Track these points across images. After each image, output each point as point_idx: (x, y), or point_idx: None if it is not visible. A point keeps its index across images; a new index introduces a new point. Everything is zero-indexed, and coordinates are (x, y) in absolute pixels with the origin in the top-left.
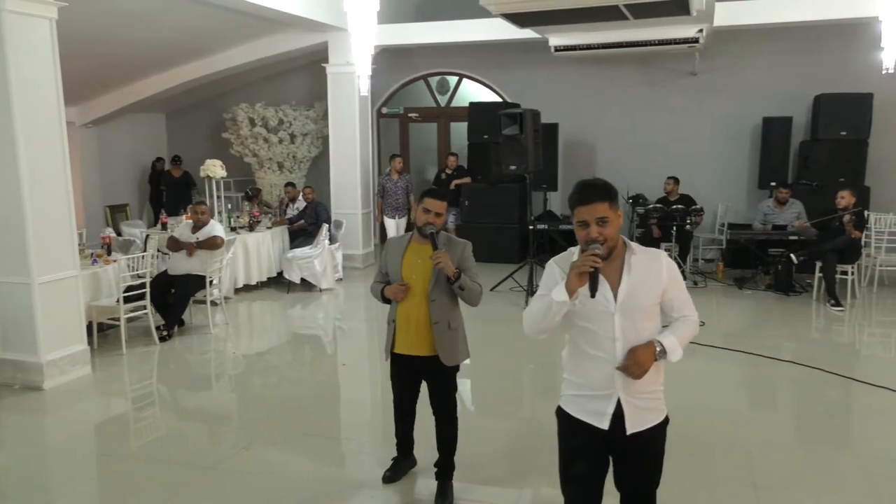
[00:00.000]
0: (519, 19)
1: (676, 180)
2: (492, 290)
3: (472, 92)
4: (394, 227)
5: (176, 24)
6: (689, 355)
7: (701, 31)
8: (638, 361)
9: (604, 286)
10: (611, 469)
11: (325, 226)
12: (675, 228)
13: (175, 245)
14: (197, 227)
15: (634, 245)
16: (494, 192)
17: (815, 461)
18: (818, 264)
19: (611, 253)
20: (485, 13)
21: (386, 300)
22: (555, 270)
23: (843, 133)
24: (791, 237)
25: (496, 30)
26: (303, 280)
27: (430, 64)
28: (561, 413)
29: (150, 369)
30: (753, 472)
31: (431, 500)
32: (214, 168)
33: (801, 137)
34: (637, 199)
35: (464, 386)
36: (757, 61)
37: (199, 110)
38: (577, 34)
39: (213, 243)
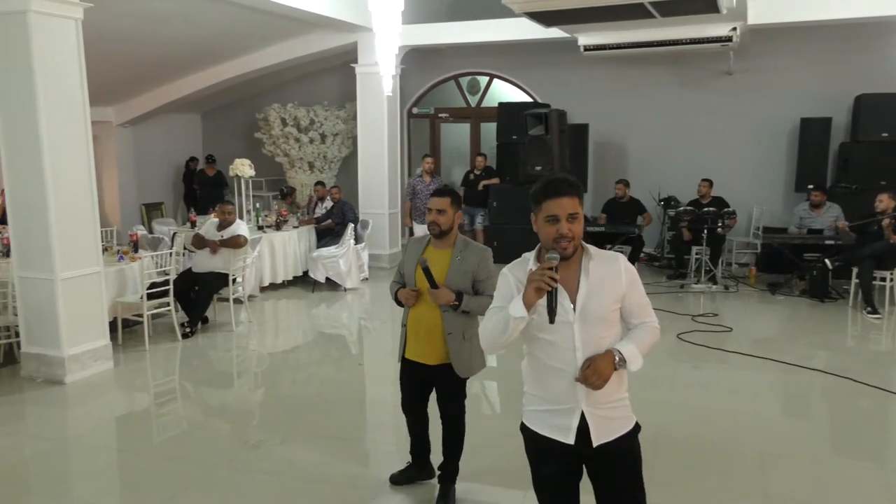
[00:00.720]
0: (543, 18)
1: (710, 183)
2: None
3: (504, 92)
4: (423, 233)
5: (207, 24)
6: (716, 361)
7: (734, 29)
8: (597, 371)
9: (561, 294)
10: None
11: (351, 225)
12: (706, 231)
13: (199, 243)
14: (222, 226)
15: (591, 248)
16: (523, 192)
17: (835, 474)
18: (855, 270)
19: (574, 253)
20: (514, 13)
21: (400, 303)
22: (509, 280)
23: (885, 135)
24: (827, 242)
25: (526, 29)
26: (328, 279)
27: (460, 64)
28: (525, 430)
29: (171, 365)
30: (767, 482)
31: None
32: (243, 167)
33: (841, 139)
34: (668, 202)
35: (488, 388)
36: (795, 60)
37: (233, 110)
38: (606, 33)
39: (236, 242)
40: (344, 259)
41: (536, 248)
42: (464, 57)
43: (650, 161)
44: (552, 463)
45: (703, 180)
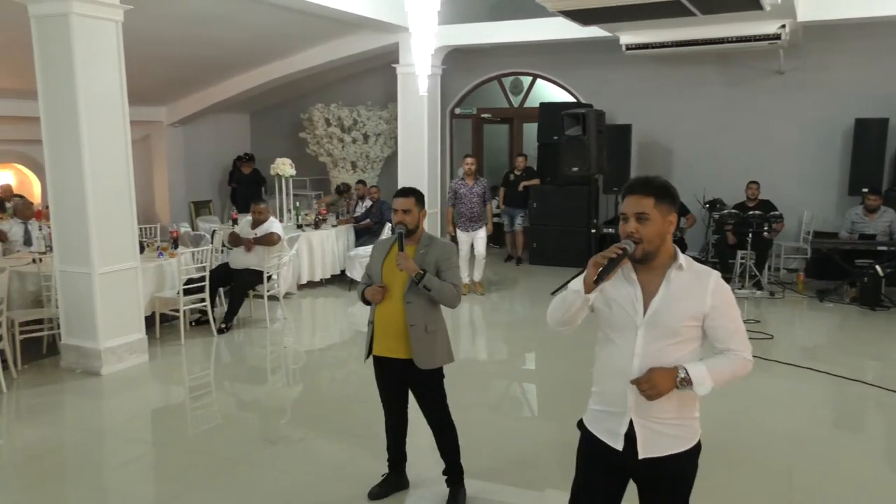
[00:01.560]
0: (579, 17)
1: (758, 185)
2: (553, 293)
3: (548, 92)
4: (468, 241)
5: (251, 26)
6: (758, 371)
7: (783, 26)
8: (652, 382)
9: (636, 294)
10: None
11: (388, 225)
12: (750, 235)
13: (235, 240)
14: (256, 224)
15: (685, 259)
16: (563, 194)
17: (869, 492)
18: None
19: (647, 258)
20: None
21: (367, 301)
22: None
23: None
24: (880, 247)
25: (566, 29)
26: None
27: (503, 64)
28: (582, 427)
29: (204, 360)
30: (791, 498)
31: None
32: (284, 166)
33: None
34: (714, 204)
35: (528, 390)
36: (850, 58)
37: (280, 110)
38: (648, 32)
39: (269, 240)
40: None
41: None
42: (507, 57)
43: (696, 162)
44: (598, 465)
45: (751, 182)
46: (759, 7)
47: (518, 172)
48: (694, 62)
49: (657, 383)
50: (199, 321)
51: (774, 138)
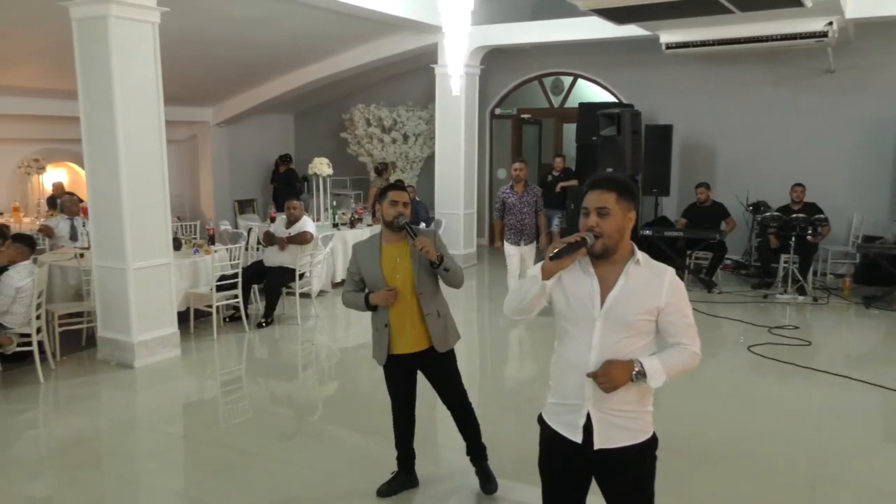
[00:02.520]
0: (612, 15)
1: (803, 187)
2: None
3: (591, 92)
4: (516, 255)
5: (292, 27)
6: (792, 378)
7: (830, 23)
8: (609, 374)
9: (594, 287)
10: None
11: (422, 224)
12: (793, 239)
13: (269, 239)
14: (291, 222)
15: (642, 256)
16: None
17: None
18: None
19: (606, 253)
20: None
21: (370, 307)
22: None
23: None
24: None
25: (605, 28)
26: None
27: (544, 64)
28: (541, 421)
29: (235, 355)
30: None
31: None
32: (321, 165)
33: None
34: (758, 207)
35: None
36: None
37: (324, 111)
38: (689, 30)
39: (302, 239)
40: None
41: None
42: (548, 57)
43: (740, 164)
44: (559, 459)
45: (796, 185)
46: (800, 4)
47: (556, 173)
48: (739, 61)
49: (614, 376)
50: (233, 317)
51: (823, 139)
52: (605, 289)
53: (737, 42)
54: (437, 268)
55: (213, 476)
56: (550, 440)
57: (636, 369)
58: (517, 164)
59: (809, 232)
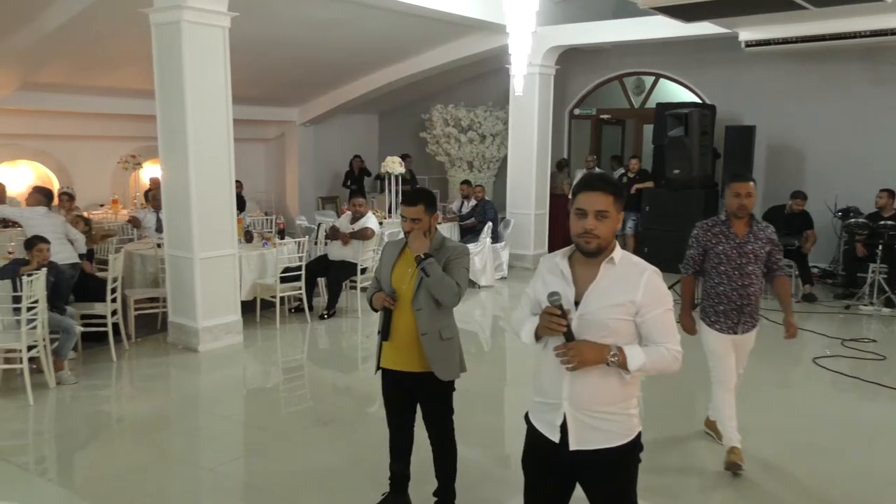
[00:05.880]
0: (676, 13)
1: (892, 193)
2: None
3: (675, 92)
4: (729, 353)
5: (371, 29)
6: (862, 395)
7: None
8: (579, 349)
9: (568, 289)
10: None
11: (489, 224)
12: (880, 248)
13: (334, 234)
14: (355, 219)
15: (620, 253)
16: (678, 197)
17: None
18: None
19: (598, 252)
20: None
21: (375, 309)
22: (538, 271)
23: None
24: None
25: (682, 26)
26: None
27: (625, 64)
28: (527, 419)
29: (295, 345)
30: None
31: None
32: (393, 164)
33: None
34: (847, 213)
35: None
36: None
37: (406, 111)
38: (769, 27)
39: (363, 234)
40: (479, 257)
41: (571, 245)
42: (628, 56)
43: (830, 167)
44: (539, 458)
45: (883, 190)
46: None
47: (631, 175)
48: (832, 59)
49: (583, 351)
50: (298, 308)
51: None
52: (583, 288)
53: (821, 39)
54: (418, 264)
55: (247, 455)
56: (533, 438)
57: (612, 352)
58: (739, 185)
59: None
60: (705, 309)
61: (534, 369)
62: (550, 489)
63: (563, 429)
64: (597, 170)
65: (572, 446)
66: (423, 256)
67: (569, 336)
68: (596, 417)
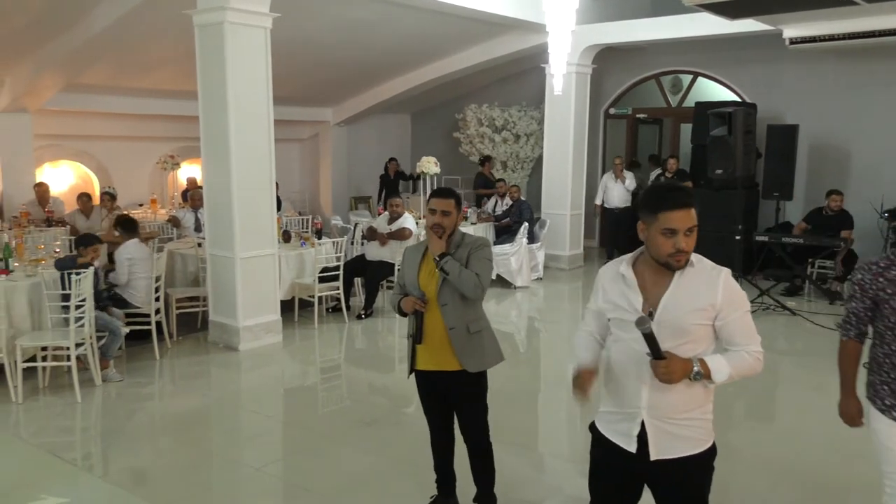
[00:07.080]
0: (722, 10)
1: None
2: None
3: (713, 91)
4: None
5: (405, 29)
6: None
7: None
8: (671, 367)
9: (634, 296)
10: None
11: (525, 224)
12: None
13: (371, 234)
14: (392, 219)
15: (695, 256)
16: (716, 198)
17: None
18: None
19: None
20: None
21: (404, 314)
22: (598, 282)
23: None
24: None
25: (723, 23)
26: (498, 276)
27: (661, 62)
28: (593, 429)
29: (333, 344)
30: None
31: None
32: (429, 164)
33: None
34: (894, 213)
35: None
36: None
37: (439, 111)
38: (815, 24)
39: (401, 234)
40: (515, 257)
41: (637, 251)
42: (665, 55)
43: (877, 167)
44: (611, 469)
45: None
46: None
47: (669, 175)
48: (879, 56)
49: (673, 370)
50: (336, 308)
51: None
52: (659, 295)
53: (871, 35)
54: (437, 265)
55: (288, 455)
56: (603, 449)
57: (695, 368)
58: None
59: None
60: (876, 387)
61: (604, 382)
62: (621, 499)
63: (640, 438)
64: (665, 177)
65: (653, 456)
66: (438, 258)
67: (654, 348)
68: (677, 425)
